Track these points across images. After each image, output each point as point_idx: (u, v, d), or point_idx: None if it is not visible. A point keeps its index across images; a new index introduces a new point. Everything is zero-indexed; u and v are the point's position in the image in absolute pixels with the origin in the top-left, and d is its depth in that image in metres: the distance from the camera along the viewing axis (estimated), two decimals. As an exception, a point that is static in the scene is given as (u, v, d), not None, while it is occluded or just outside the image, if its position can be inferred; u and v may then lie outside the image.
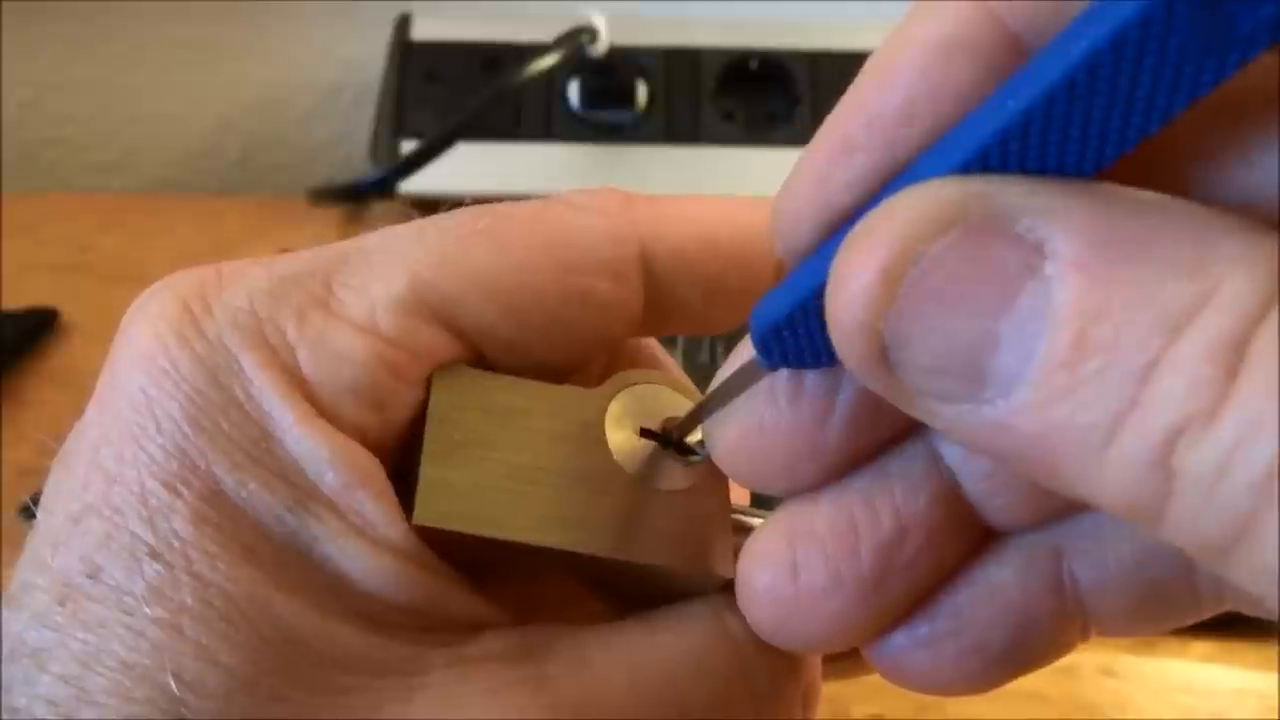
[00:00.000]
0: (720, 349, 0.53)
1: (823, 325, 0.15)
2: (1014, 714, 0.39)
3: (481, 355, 0.19)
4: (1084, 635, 0.18)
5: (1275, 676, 0.40)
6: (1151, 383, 0.12)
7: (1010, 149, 0.13)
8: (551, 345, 0.20)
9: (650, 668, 0.18)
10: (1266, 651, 0.41)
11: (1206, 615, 0.18)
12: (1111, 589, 0.18)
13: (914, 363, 0.14)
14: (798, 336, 0.16)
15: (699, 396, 0.20)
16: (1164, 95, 0.12)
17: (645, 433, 0.20)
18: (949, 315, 0.13)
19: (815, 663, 0.20)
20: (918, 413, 0.15)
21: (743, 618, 0.19)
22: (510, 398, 0.19)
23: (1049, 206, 0.13)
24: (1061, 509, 0.18)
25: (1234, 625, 0.42)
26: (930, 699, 0.39)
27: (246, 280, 0.18)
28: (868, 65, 0.16)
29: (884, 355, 0.14)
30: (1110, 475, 0.12)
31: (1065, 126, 0.13)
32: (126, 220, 0.64)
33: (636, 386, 0.20)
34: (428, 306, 0.18)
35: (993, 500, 0.18)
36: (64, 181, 0.77)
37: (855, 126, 0.15)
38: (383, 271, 0.18)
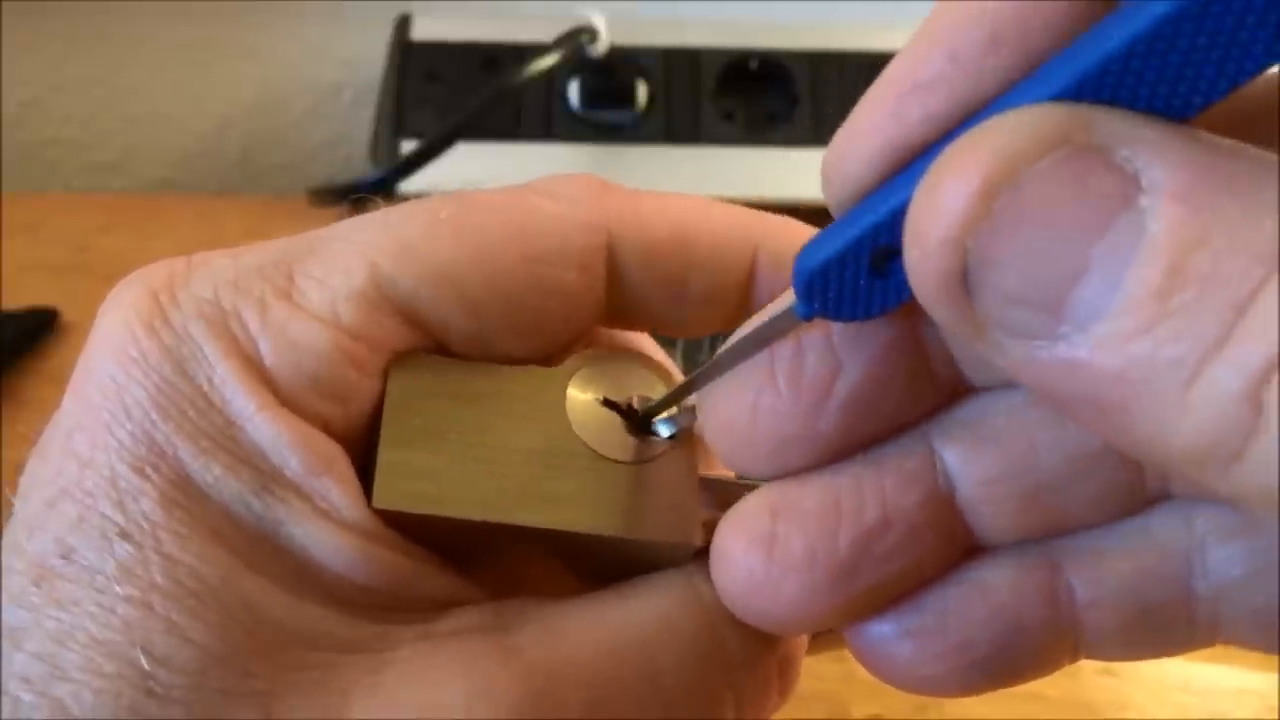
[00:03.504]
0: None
1: (875, 269, 0.15)
2: (1013, 714, 0.39)
3: (444, 345, 0.19)
4: (1073, 655, 0.18)
5: (1275, 676, 0.40)
6: (1249, 314, 0.12)
7: (1109, 82, 0.13)
8: (514, 336, 0.20)
9: (621, 635, 0.18)
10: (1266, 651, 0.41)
11: (1199, 647, 0.18)
12: (1107, 607, 0.17)
13: (996, 286, 0.13)
14: (844, 281, 0.16)
15: (665, 371, 0.20)
16: (1266, 40, 0.12)
17: (608, 403, 0.20)
18: (1041, 237, 0.13)
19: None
20: (986, 347, 0.14)
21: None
22: (468, 381, 0.19)
23: (1149, 138, 0.13)
24: (1056, 524, 0.17)
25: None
26: (930, 699, 0.39)
27: (212, 271, 0.18)
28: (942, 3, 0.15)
29: (963, 277, 0.14)
30: (1191, 413, 0.12)
31: (1164, 65, 0.13)
32: (126, 220, 0.64)
33: (599, 363, 0.20)
34: (388, 299, 0.18)
35: (987, 508, 0.17)
36: (64, 181, 0.77)
37: (937, 57, 0.15)
38: (344, 262, 0.18)
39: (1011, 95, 0.14)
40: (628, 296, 0.20)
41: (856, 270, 0.16)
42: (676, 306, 0.20)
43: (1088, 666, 0.41)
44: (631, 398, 0.20)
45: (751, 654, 0.19)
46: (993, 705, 0.40)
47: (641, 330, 0.22)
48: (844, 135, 0.16)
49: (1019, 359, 0.14)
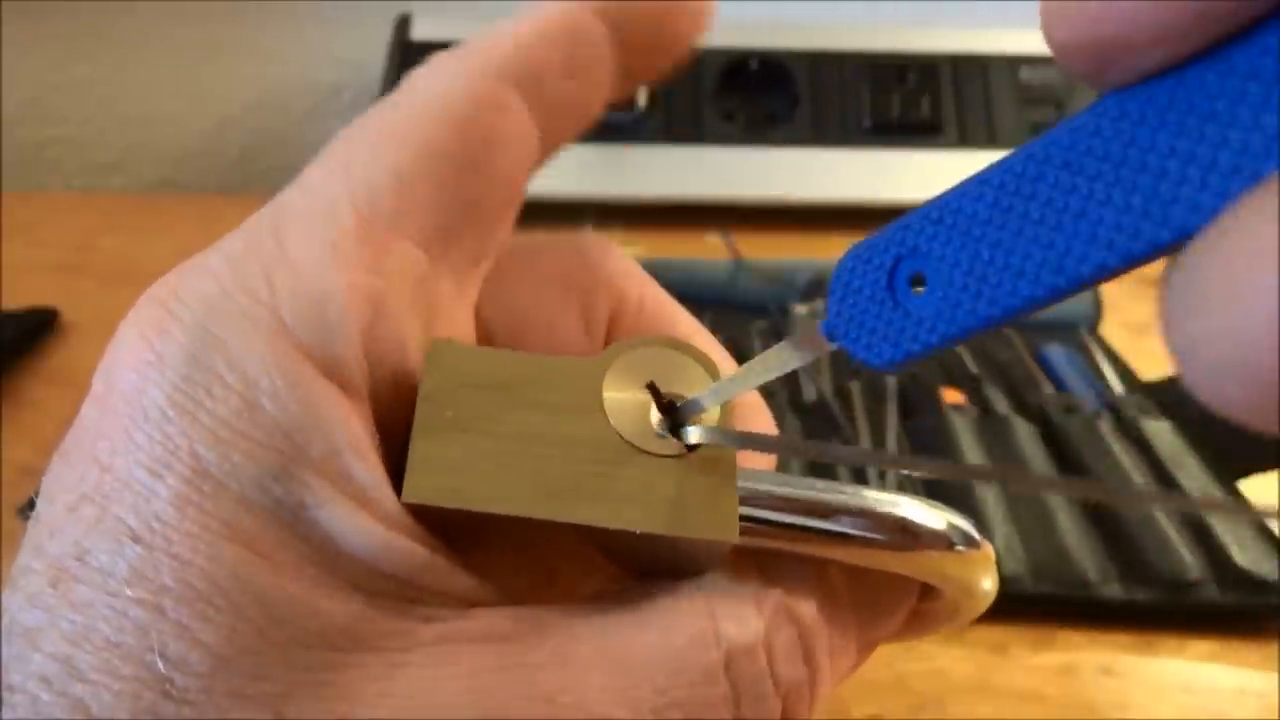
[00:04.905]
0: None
1: (891, 288, 0.14)
2: (1014, 714, 0.39)
3: (444, 253, 0.20)
4: None
5: (1275, 676, 0.40)
6: None
7: None
8: (480, 191, 0.20)
9: (632, 666, 0.18)
10: (1266, 651, 0.41)
11: None
12: None
13: None
14: (862, 292, 0.15)
15: (708, 359, 0.20)
16: None
17: (651, 390, 0.19)
18: None
19: (797, 673, 0.20)
20: None
21: (737, 624, 0.19)
22: (503, 371, 0.19)
23: None
24: None
25: (1234, 625, 0.42)
26: (929, 698, 0.39)
27: (204, 263, 0.19)
28: None
29: None
30: None
31: None
32: (126, 220, 0.64)
33: (640, 352, 0.20)
34: (377, 217, 0.19)
35: None
36: (64, 181, 0.77)
37: None
38: (323, 203, 0.19)
39: None
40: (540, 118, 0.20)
41: (875, 282, 0.15)
42: (567, 85, 0.20)
43: (1088, 666, 0.41)
44: (672, 390, 0.20)
45: (758, 694, 0.19)
46: (993, 705, 0.40)
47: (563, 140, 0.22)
48: None
49: None
